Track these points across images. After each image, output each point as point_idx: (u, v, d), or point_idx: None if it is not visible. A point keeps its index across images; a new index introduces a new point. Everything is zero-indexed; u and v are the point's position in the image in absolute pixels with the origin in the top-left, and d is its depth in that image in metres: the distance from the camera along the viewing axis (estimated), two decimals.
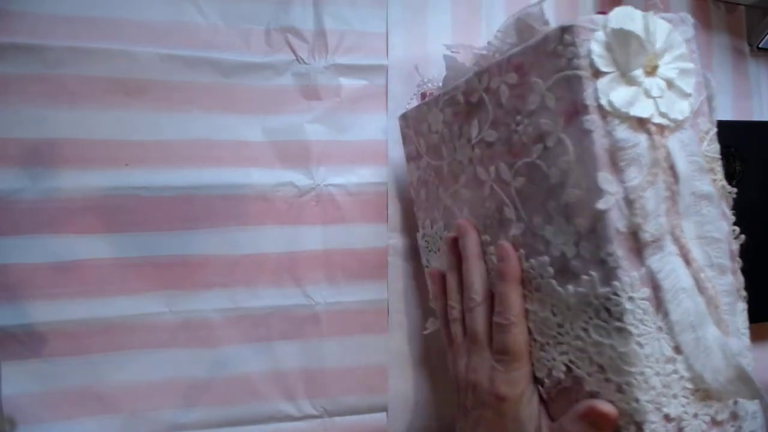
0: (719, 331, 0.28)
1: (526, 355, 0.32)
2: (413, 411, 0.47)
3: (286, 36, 0.46)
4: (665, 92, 0.28)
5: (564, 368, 0.30)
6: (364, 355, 0.46)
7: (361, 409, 0.46)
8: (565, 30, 0.27)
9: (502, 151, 0.32)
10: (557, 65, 0.27)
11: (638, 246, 0.27)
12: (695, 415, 0.27)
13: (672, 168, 0.28)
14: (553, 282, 0.29)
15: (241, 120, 0.45)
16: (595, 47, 0.27)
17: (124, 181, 0.42)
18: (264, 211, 0.45)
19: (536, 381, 0.32)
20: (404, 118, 0.43)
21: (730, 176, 0.52)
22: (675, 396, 0.27)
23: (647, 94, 0.27)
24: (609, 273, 0.26)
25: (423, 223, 0.43)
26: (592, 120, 0.26)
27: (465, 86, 0.35)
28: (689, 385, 0.27)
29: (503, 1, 0.51)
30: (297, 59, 0.46)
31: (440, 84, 0.41)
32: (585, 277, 0.27)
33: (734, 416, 0.29)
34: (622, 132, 0.27)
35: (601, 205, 0.26)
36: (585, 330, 0.28)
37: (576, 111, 0.27)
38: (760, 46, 0.56)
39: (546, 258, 0.30)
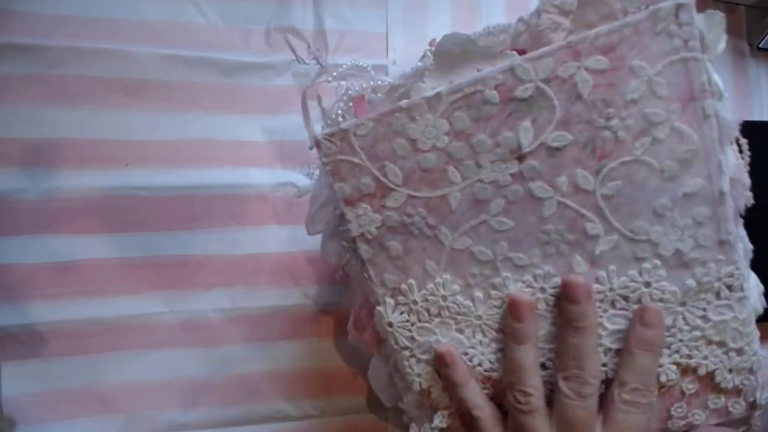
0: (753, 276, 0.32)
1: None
2: None
3: (286, 36, 0.46)
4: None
5: (674, 368, 0.30)
6: (364, 355, 0.46)
7: (361, 409, 0.46)
8: (680, 7, 0.25)
9: (580, 155, 0.28)
10: (669, 46, 0.26)
11: (736, 219, 0.29)
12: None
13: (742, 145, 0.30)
14: (664, 285, 0.29)
15: (241, 120, 0.45)
16: (703, 29, 0.26)
17: (124, 181, 0.42)
18: (264, 211, 0.45)
19: None
20: (334, 138, 0.29)
21: None
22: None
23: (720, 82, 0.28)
24: (729, 251, 0.28)
25: (398, 289, 0.31)
26: (711, 104, 0.26)
27: (503, 78, 0.27)
28: None
29: (503, 1, 0.51)
30: (297, 59, 0.46)
31: (392, 83, 0.32)
32: (711, 264, 0.28)
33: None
34: (725, 113, 0.27)
35: (725, 186, 0.27)
36: (703, 317, 0.29)
37: (693, 96, 0.26)
38: (760, 46, 0.56)
39: (655, 262, 0.28)
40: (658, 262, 0.28)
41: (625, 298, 0.29)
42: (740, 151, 0.30)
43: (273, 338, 0.45)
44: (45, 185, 0.41)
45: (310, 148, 0.31)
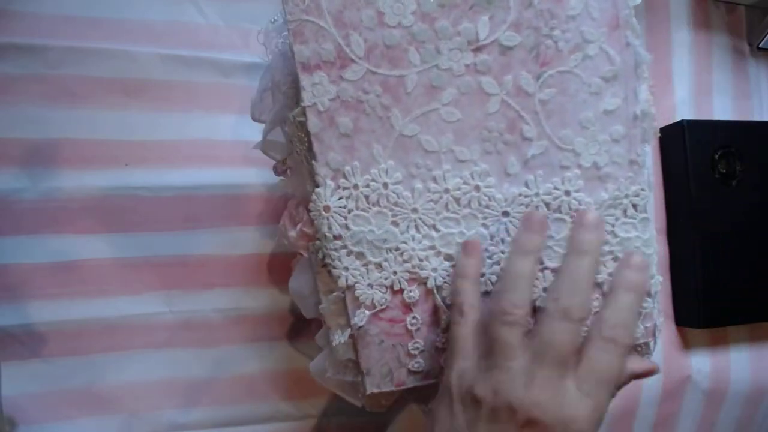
0: None
1: (528, 282, 0.30)
2: (413, 410, 0.47)
3: None
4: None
5: None
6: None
7: (360, 409, 0.46)
8: None
9: (525, 58, 0.30)
10: None
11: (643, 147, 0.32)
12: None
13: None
14: (581, 195, 0.31)
15: (241, 120, 0.45)
16: None
17: (124, 181, 0.42)
18: (264, 211, 0.45)
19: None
20: None
21: (730, 176, 0.52)
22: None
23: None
24: (638, 171, 0.31)
25: (339, 170, 0.30)
26: (632, 36, 0.30)
27: None
28: None
29: None
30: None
31: None
32: (621, 179, 0.31)
33: None
34: (641, 51, 0.31)
35: (638, 110, 0.31)
36: (611, 232, 0.31)
37: (617, 24, 0.30)
38: (760, 46, 0.56)
39: (575, 172, 0.31)
40: (578, 171, 0.31)
41: (547, 205, 0.31)
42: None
43: (273, 338, 0.45)
44: (45, 185, 0.41)
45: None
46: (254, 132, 0.45)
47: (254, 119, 0.38)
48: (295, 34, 0.29)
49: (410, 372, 0.32)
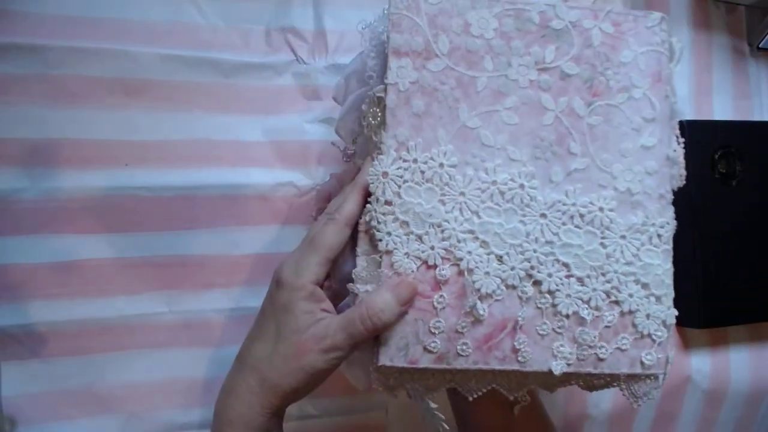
0: None
1: (326, 253, 0.33)
2: (413, 410, 0.47)
3: (286, 36, 0.46)
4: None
5: (603, 296, 0.34)
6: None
7: (361, 409, 0.46)
8: (664, 19, 0.36)
9: (580, 86, 0.35)
10: (652, 40, 0.36)
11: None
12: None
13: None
14: (612, 214, 0.34)
15: (241, 120, 0.45)
16: (673, 40, 0.37)
17: (124, 181, 0.42)
18: (264, 211, 0.45)
19: (563, 316, 0.34)
20: None
21: (730, 176, 0.52)
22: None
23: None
24: (665, 206, 0.36)
25: (403, 143, 0.34)
26: (670, 91, 0.36)
27: (545, 8, 0.35)
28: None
29: None
30: (297, 59, 0.46)
31: None
32: (650, 208, 0.35)
33: None
34: (676, 107, 0.37)
35: (671, 153, 0.35)
36: (636, 255, 0.34)
37: (659, 79, 0.36)
38: (760, 46, 0.56)
39: (610, 192, 0.35)
40: (613, 192, 0.35)
41: (582, 216, 0.34)
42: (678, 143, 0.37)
43: None
44: (45, 185, 0.41)
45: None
46: (254, 132, 0.45)
47: (336, 100, 0.39)
48: (394, 25, 0.35)
49: (426, 350, 0.33)
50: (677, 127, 0.37)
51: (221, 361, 0.44)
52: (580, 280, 0.34)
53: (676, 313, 0.35)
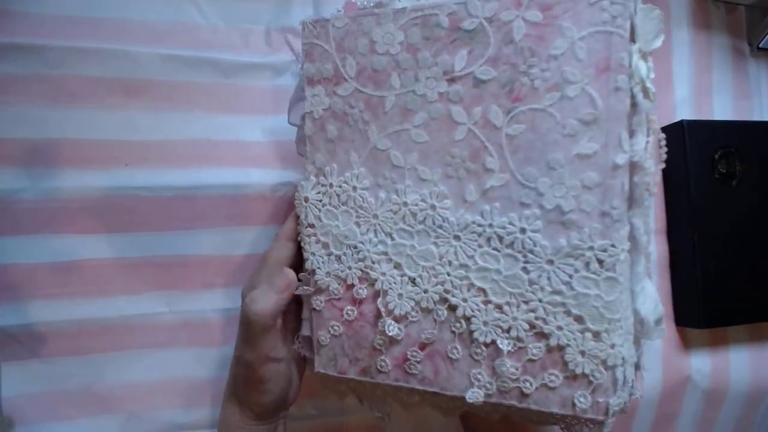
0: (651, 283, 0.31)
1: (272, 266, 0.36)
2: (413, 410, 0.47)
3: (286, 36, 0.46)
4: (651, 76, 0.30)
5: (527, 326, 0.30)
6: None
7: (360, 409, 0.46)
8: None
9: (498, 92, 0.31)
10: (598, 18, 0.28)
11: (629, 203, 0.29)
12: (630, 358, 0.31)
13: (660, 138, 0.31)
14: (537, 236, 0.30)
15: (241, 120, 0.45)
16: (635, 15, 0.28)
17: (124, 181, 0.42)
18: (264, 211, 0.45)
19: (481, 344, 0.31)
20: (318, 25, 0.35)
21: (730, 176, 0.52)
22: (628, 340, 0.30)
23: (648, 73, 0.29)
24: (610, 226, 0.29)
25: (321, 169, 0.35)
26: (624, 80, 0.28)
27: (456, 8, 0.31)
28: (631, 330, 0.30)
29: None
30: (297, 59, 0.46)
31: None
32: (585, 229, 0.29)
33: (639, 364, 0.33)
34: (640, 98, 0.29)
35: (619, 160, 0.28)
36: (567, 283, 0.29)
37: (608, 67, 0.28)
38: (760, 46, 0.56)
39: (534, 211, 0.30)
40: (538, 212, 0.30)
41: (500, 239, 0.31)
42: (660, 147, 0.32)
43: None
44: (45, 185, 0.41)
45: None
46: (254, 132, 0.45)
47: (290, 122, 0.40)
48: (307, 54, 0.35)
49: (351, 363, 0.35)
50: (645, 124, 0.30)
51: (221, 361, 0.44)
52: (498, 307, 0.31)
53: (630, 357, 0.30)
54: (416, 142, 0.33)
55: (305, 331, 0.37)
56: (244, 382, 0.36)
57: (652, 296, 0.31)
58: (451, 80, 0.32)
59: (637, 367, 0.32)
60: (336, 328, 0.35)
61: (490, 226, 0.31)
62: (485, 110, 0.31)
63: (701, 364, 0.53)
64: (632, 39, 0.29)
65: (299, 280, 0.36)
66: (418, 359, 0.33)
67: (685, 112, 0.54)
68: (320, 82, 0.35)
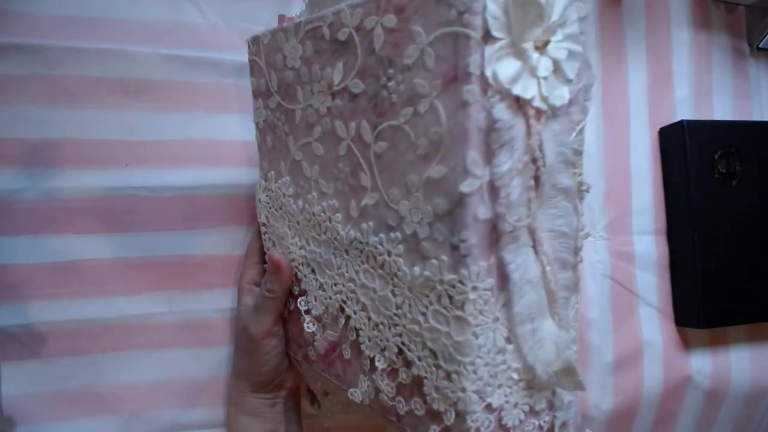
0: (555, 324, 0.27)
1: (251, 258, 0.42)
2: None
3: None
4: (550, 74, 0.24)
5: (396, 350, 0.29)
6: None
7: (361, 409, 0.46)
8: None
9: (366, 107, 0.28)
10: (445, 17, 0.23)
11: (494, 235, 0.25)
12: (515, 405, 0.27)
13: (539, 158, 0.24)
14: (400, 261, 0.27)
15: (241, 120, 0.45)
16: (492, 5, 0.22)
17: (124, 181, 0.42)
18: None
19: (367, 356, 0.31)
20: (255, 42, 0.36)
21: (730, 176, 0.52)
22: (500, 386, 0.26)
23: (533, 72, 0.24)
24: (458, 260, 0.24)
25: (266, 174, 0.38)
26: (472, 91, 0.23)
27: (333, 18, 0.29)
28: (515, 375, 0.26)
29: None
30: None
31: (304, 7, 0.34)
32: (434, 261, 0.25)
33: (551, 405, 0.28)
34: (500, 111, 0.23)
35: (464, 188, 0.23)
36: (423, 314, 0.26)
37: (455, 77, 0.23)
38: (760, 46, 0.56)
39: (398, 234, 0.27)
40: (400, 235, 0.27)
41: (375, 258, 0.29)
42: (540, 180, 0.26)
43: None
44: (45, 185, 0.41)
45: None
46: (254, 132, 0.45)
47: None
48: (251, 69, 0.38)
49: (298, 347, 0.38)
50: (521, 140, 0.24)
51: (221, 361, 0.44)
52: (376, 325, 0.30)
53: (506, 405, 0.26)
54: (316, 155, 0.32)
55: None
56: (246, 354, 0.40)
57: (551, 341, 0.27)
58: (333, 94, 0.30)
59: (564, 425, 0.28)
60: (285, 315, 0.39)
61: (367, 244, 0.29)
62: (358, 125, 0.28)
63: (702, 364, 0.53)
64: (489, 37, 0.22)
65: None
66: (333, 356, 0.34)
67: (685, 112, 0.54)
68: (259, 95, 0.37)
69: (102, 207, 0.42)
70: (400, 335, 0.28)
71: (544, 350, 0.26)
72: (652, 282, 0.53)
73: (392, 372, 0.29)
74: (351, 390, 0.32)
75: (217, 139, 0.44)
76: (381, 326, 0.29)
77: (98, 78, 0.42)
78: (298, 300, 0.36)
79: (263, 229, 0.40)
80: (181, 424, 0.43)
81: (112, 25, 0.42)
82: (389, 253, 0.28)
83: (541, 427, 0.27)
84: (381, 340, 0.29)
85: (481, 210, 0.24)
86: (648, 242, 0.53)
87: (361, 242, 0.30)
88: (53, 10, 0.42)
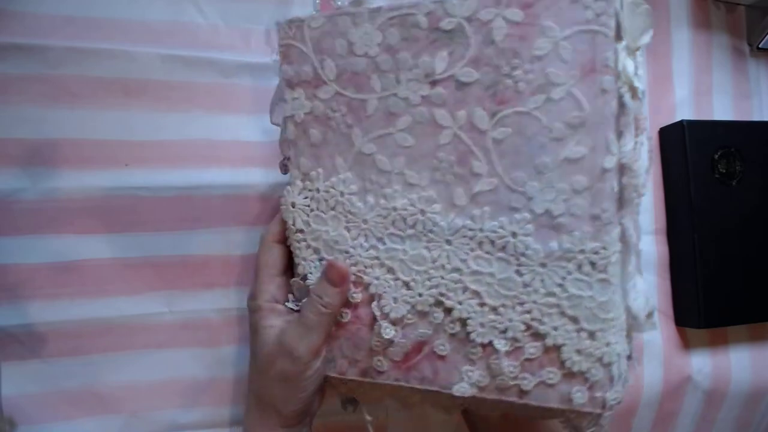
0: (641, 279, 0.31)
1: (265, 271, 0.36)
2: (413, 410, 0.47)
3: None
4: (639, 74, 0.29)
5: (523, 327, 0.30)
6: None
7: (361, 409, 0.46)
8: None
9: (482, 95, 0.30)
10: (582, 16, 0.28)
11: (619, 205, 0.29)
12: (622, 351, 0.31)
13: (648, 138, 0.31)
14: (528, 240, 0.30)
15: (241, 120, 0.45)
16: (621, 11, 0.28)
17: (124, 181, 0.42)
18: (264, 211, 0.45)
19: (479, 345, 0.31)
20: (294, 25, 0.34)
21: (730, 176, 0.52)
22: (621, 336, 0.30)
23: (636, 70, 0.29)
24: (600, 229, 0.29)
25: (306, 174, 0.35)
26: (610, 81, 0.28)
27: (433, 7, 0.30)
28: (624, 326, 0.31)
29: None
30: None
31: None
32: (576, 233, 0.29)
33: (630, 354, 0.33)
34: (628, 99, 0.28)
35: (607, 164, 0.28)
36: (560, 285, 0.29)
37: (594, 68, 0.28)
38: (760, 46, 0.56)
39: (525, 215, 0.30)
40: (528, 215, 0.30)
41: (492, 243, 0.30)
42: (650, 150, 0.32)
43: None
44: (45, 185, 0.41)
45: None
46: (254, 132, 0.45)
47: (272, 122, 0.39)
48: (284, 56, 0.34)
49: (350, 364, 0.34)
50: (633, 124, 0.29)
51: (221, 361, 0.44)
52: (493, 309, 0.31)
53: (624, 351, 0.31)
54: (402, 146, 0.32)
55: None
56: (283, 382, 0.34)
57: (643, 292, 0.31)
58: (433, 83, 0.31)
59: (629, 357, 0.32)
60: (334, 330, 0.34)
61: (481, 230, 0.31)
62: (470, 113, 0.30)
63: (702, 363, 0.53)
64: (618, 37, 0.28)
65: (290, 285, 0.36)
66: (417, 359, 0.33)
67: (685, 112, 0.54)
68: (300, 84, 0.34)
69: (102, 207, 0.42)
70: (529, 312, 0.30)
71: (639, 300, 0.31)
72: (651, 282, 0.53)
73: (515, 351, 0.30)
74: (456, 387, 0.31)
75: (216, 139, 0.44)
76: (501, 308, 0.31)
77: (98, 78, 0.42)
78: (372, 305, 0.33)
79: (298, 236, 0.35)
80: (181, 424, 0.43)
81: (112, 25, 0.42)
82: (514, 235, 0.30)
83: (627, 370, 0.32)
84: (500, 323, 0.31)
85: (615, 183, 0.28)
86: (648, 242, 0.53)
87: (471, 229, 0.31)
88: (53, 10, 0.41)
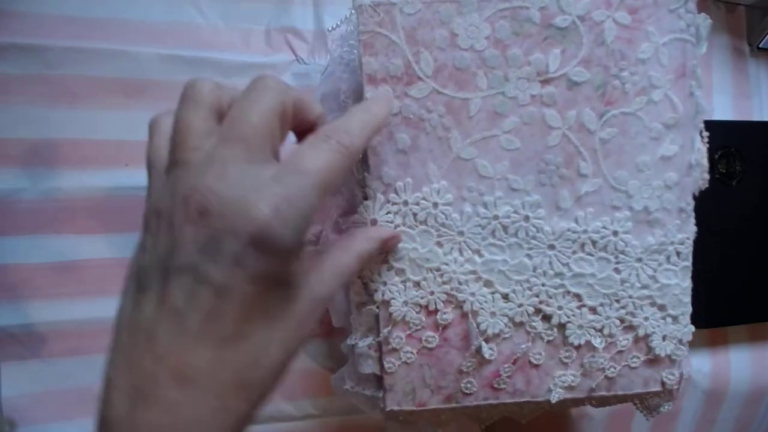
0: None
1: (320, 185, 0.23)
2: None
3: (286, 36, 0.46)
4: None
5: (618, 323, 0.32)
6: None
7: (361, 409, 0.46)
8: None
9: (591, 95, 0.30)
10: (676, 25, 0.30)
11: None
12: None
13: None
14: (628, 237, 0.31)
15: None
16: (700, 18, 0.31)
17: (124, 181, 0.42)
18: None
19: (574, 347, 0.32)
20: (382, 10, 0.29)
21: (730, 176, 0.52)
22: None
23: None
24: (685, 220, 0.32)
25: (391, 185, 0.30)
26: (696, 86, 0.31)
27: (547, 2, 0.29)
28: None
29: None
30: (297, 59, 0.46)
31: None
32: (669, 226, 0.31)
33: None
34: (702, 102, 0.32)
35: (693, 160, 0.32)
36: (652, 277, 0.32)
37: (684, 73, 0.31)
38: (760, 46, 0.56)
39: (625, 213, 0.31)
40: (628, 213, 0.31)
41: (594, 243, 0.31)
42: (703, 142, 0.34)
43: None
44: (45, 185, 0.41)
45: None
46: None
47: None
48: (366, 46, 0.29)
49: (433, 393, 0.32)
50: (701, 125, 0.33)
51: None
52: (592, 309, 0.32)
53: (693, 329, 0.33)
54: (507, 149, 0.30)
55: (368, 368, 0.33)
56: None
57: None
58: (545, 81, 0.30)
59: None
60: (415, 359, 0.31)
61: (585, 231, 0.31)
62: (579, 114, 0.30)
63: (701, 363, 0.53)
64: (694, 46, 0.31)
65: (362, 315, 0.32)
66: (509, 373, 0.32)
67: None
68: (386, 80, 0.29)
69: (102, 207, 0.42)
70: (625, 307, 0.32)
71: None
72: None
73: (609, 346, 0.32)
74: (553, 394, 0.32)
75: None
76: (600, 307, 0.32)
77: (98, 78, 0.42)
78: (469, 323, 0.31)
79: (377, 258, 0.31)
80: None
81: (112, 25, 0.42)
82: (615, 233, 0.31)
83: None
84: (598, 322, 0.32)
85: (695, 177, 0.32)
86: None
87: (575, 232, 0.31)
88: (54, 11, 0.41)
